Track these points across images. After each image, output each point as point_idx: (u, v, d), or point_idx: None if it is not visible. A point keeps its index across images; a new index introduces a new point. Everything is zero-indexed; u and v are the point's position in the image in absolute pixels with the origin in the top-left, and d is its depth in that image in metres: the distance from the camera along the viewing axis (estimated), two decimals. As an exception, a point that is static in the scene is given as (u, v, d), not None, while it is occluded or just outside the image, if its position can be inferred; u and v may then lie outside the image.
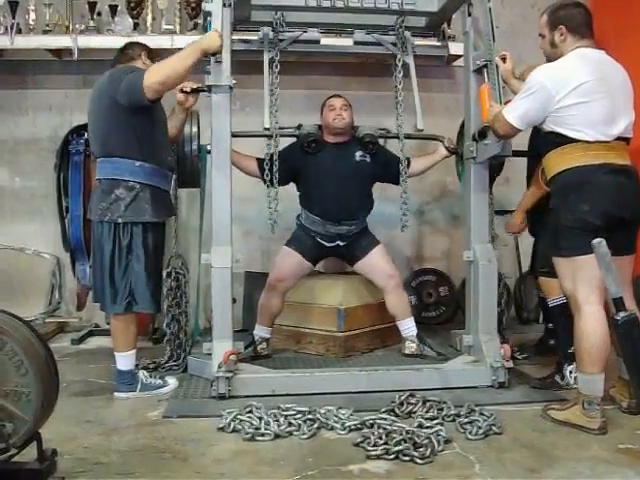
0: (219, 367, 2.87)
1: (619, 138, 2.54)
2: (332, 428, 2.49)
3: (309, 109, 4.14)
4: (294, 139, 3.67)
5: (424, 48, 3.83)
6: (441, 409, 2.62)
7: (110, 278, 2.90)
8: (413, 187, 3.81)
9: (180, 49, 2.94)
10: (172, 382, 3.11)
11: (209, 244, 3.14)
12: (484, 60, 3.11)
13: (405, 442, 2.25)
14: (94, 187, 3.07)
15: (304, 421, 2.50)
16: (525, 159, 3.46)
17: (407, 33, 3.61)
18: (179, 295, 3.50)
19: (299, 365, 3.40)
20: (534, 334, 4.05)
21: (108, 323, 3.57)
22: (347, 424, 2.48)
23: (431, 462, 2.19)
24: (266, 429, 2.44)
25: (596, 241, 2.16)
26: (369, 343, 3.76)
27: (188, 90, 3.07)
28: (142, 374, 3.05)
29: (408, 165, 3.58)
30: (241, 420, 2.50)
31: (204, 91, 3.02)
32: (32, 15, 4.21)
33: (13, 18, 4.08)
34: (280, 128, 3.46)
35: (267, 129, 3.33)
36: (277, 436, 2.42)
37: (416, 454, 2.20)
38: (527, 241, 3.91)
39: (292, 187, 3.70)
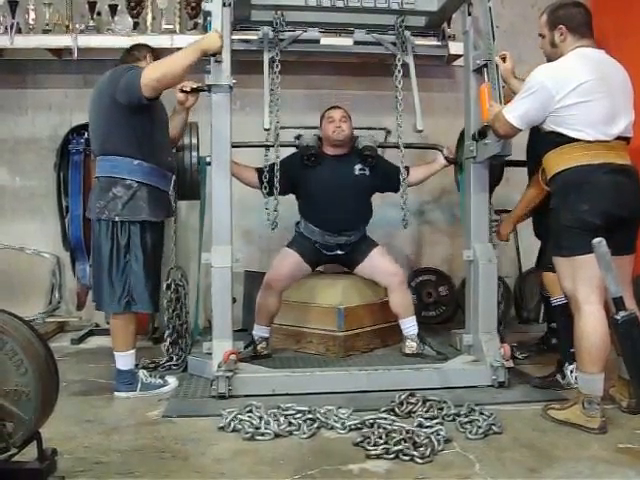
0: (219, 367, 2.87)
1: (619, 138, 2.54)
2: (332, 428, 2.49)
3: (309, 109, 4.15)
4: (294, 148, 3.69)
5: (424, 48, 3.82)
6: (441, 409, 2.62)
7: (108, 277, 2.90)
8: (413, 187, 3.82)
9: (180, 49, 2.95)
10: (172, 381, 3.11)
11: (209, 243, 3.14)
12: (484, 60, 3.11)
13: (405, 442, 2.25)
14: (93, 185, 3.07)
15: (304, 421, 2.50)
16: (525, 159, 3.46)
17: (407, 33, 3.61)
18: (179, 307, 3.53)
19: (299, 365, 3.40)
20: (534, 333, 4.06)
21: (108, 323, 3.57)
22: (347, 424, 2.48)
23: (431, 462, 2.19)
24: (266, 428, 2.44)
25: (596, 241, 2.16)
26: (369, 343, 3.76)
27: (188, 89, 3.08)
28: (142, 373, 3.05)
29: (407, 173, 3.59)
30: (241, 420, 2.50)
31: (204, 90, 3.02)
32: (32, 14, 4.20)
33: (13, 17, 4.08)
34: (281, 128, 3.46)
35: (267, 129, 3.33)
36: (277, 435, 2.42)
37: (416, 454, 2.20)
38: (527, 241, 3.92)
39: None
